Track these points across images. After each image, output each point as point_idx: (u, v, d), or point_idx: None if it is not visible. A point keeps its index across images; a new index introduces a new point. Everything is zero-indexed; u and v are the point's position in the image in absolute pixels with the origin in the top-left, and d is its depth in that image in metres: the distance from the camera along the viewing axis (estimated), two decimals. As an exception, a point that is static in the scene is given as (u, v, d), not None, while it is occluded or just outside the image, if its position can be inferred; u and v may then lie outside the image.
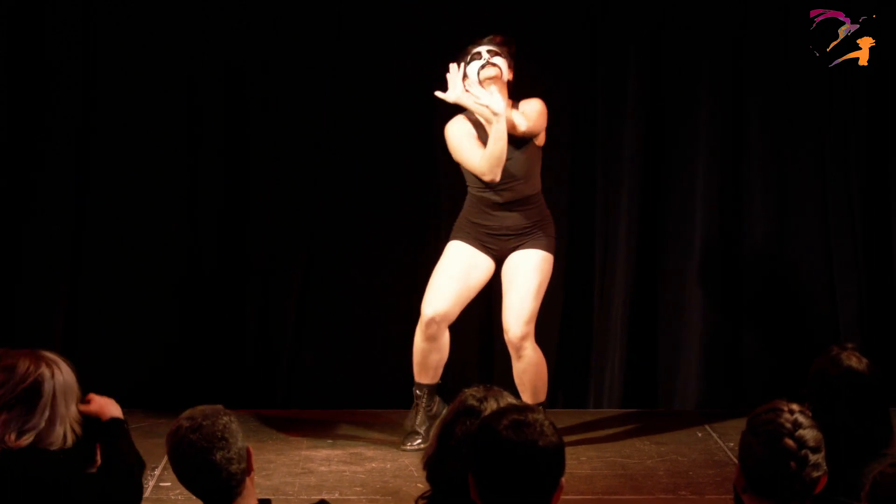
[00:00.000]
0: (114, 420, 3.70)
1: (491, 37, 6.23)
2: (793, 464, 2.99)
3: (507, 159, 6.13)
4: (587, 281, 7.29)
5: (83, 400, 3.69)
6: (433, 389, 6.34)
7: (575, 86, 7.22)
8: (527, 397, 6.21)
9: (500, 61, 6.20)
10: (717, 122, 7.22)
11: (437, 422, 3.22)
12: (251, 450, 3.36)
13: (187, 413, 3.36)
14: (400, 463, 6.15)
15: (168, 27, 7.03)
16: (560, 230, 7.17)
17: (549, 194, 7.02)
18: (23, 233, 7.08)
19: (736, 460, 3.10)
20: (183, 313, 7.11)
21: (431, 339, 6.22)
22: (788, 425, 3.02)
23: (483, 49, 6.20)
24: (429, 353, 6.25)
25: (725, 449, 6.43)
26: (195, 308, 7.14)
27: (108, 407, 3.73)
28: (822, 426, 3.08)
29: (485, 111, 6.10)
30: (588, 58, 7.21)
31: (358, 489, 5.78)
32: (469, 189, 6.34)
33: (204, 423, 3.30)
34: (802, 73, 7.18)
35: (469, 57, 6.20)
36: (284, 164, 7.14)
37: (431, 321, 6.19)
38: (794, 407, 3.07)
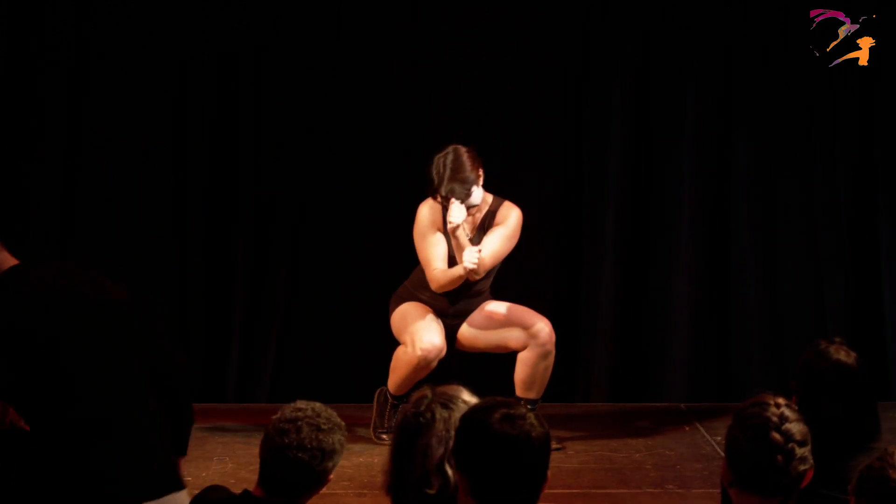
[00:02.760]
0: None
1: (455, 172, 6.06)
2: (779, 457, 2.99)
3: None
4: (574, 276, 7.28)
5: None
6: (398, 404, 6.35)
7: (570, 85, 7.21)
8: (533, 393, 6.25)
9: (472, 202, 6.09)
10: (706, 116, 7.23)
11: (389, 447, 3.18)
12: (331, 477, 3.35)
13: (318, 406, 3.32)
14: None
15: (165, 26, 7.01)
16: (547, 224, 7.18)
17: (542, 189, 7.04)
18: (13, 233, 7.05)
19: (723, 454, 3.09)
20: (170, 308, 7.10)
21: (425, 369, 6.19)
22: (775, 419, 3.01)
23: (456, 200, 6.06)
24: (418, 378, 6.20)
25: (713, 443, 6.43)
26: (183, 303, 7.13)
27: None
28: (809, 420, 3.08)
29: (465, 242, 6.07)
30: (583, 58, 7.20)
31: (345, 483, 5.77)
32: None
33: (323, 427, 3.29)
34: (793, 72, 7.19)
35: (444, 191, 6.09)
36: (281, 164, 7.13)
37: (428, 354, 6.14)
38: (781, 401, 3.07)
